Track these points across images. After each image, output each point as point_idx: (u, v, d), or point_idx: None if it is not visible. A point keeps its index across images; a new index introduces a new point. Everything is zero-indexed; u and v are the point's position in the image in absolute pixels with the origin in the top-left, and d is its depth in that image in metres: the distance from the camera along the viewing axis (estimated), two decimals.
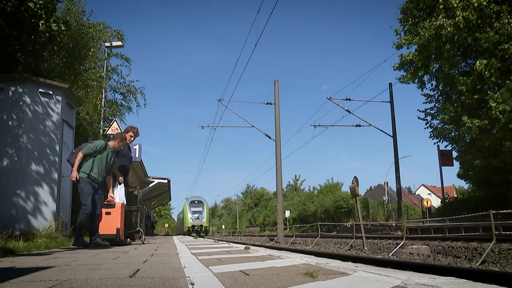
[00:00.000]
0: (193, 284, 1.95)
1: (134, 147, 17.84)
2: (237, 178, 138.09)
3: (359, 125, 23.36)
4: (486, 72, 14.49)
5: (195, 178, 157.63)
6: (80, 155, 6.17)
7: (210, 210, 46.07)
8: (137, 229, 7.87)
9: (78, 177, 6.04)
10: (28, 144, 7.26)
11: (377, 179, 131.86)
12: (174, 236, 19.71)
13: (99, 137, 13.69)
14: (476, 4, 14.72)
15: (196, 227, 34.75)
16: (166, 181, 24.11)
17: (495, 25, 14.58)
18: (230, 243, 6.85)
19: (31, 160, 7.22)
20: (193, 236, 22.17)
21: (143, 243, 7.21)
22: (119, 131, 13.44)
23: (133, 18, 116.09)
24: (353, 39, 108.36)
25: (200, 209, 36.41)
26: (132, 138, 7.22)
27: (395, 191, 24.93)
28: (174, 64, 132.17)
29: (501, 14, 14.59)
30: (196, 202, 37.25)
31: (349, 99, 22.31)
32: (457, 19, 14.98)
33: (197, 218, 35.58)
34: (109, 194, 6.97)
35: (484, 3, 14.61)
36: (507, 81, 14.32)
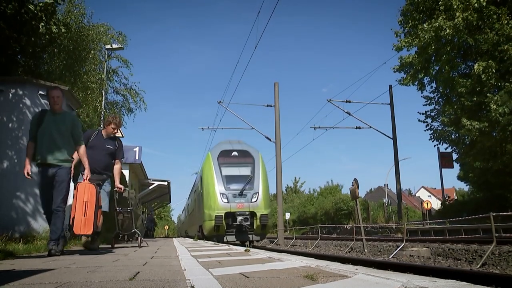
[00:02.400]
0: (193, 286, 1.94)
1: (134, 149, 17.85)
2: None
3: (359, 127, 23.38)
4: (483, 75, 14.51)
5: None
6: (28, 144, 4.89)
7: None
8: (133, 231, 7.19)
9: (29, 171, 4.70)
10: None
11: (377, 181, 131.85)
12: (174, 238, 19.69)
13: None
14: (476, 5, 14.75)
15: (239, 218, 13.18)
16: (166, 183, 24.07)
17: (495, 26, 14.60)
18: (230, 245, 6.84)
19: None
20: (216, 242, 11.16)
21: (140, 247, 6.74)
22: (119, 132, 13.40)
23: (133, 18, 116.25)
24: (353, 41, 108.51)
25: (247, 170, 14.12)
26: (115, 130, 6.26)
27: (395, 193, 24.91)
28: (174, 65, 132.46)
29: (500, 16, 14.63)
30: (237, 153, 14.56)
31: (349, 101, 22.34)
32: (456, 20, 15.01)
33: (241, 194, 13.42)
34: (117, 185, 6.14)
35: (484, 3, 14.63)
36: (506, 84, 14.33)
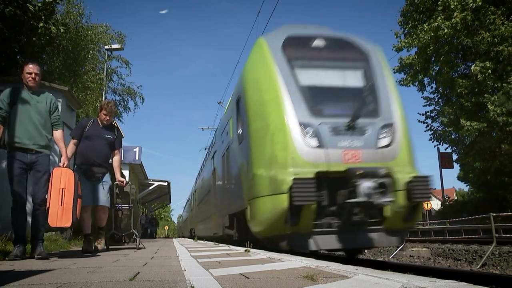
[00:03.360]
0: (193, 287, 1.94)
1: (134, 150, 17.83)
2: None
3: None
4: (479, 76, 14.54)
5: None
6: None
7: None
8: (131, 231, 6.36)
9: None
10: None
11: None
12: (174, 239, 19.69)
13: None
14: (472, 5, 14.76)
15: (364, 186, 4.48)
16: (166, 183, 24.05)
17: (491, 27, 14.63)
18: (230, 246, 6.83)
19: None
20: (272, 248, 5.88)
21: (138, 248, 5.97)
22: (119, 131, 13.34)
23: (132, 20, 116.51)
24: None
25: (357, 76, 5.71)
26: (107, 117, 5.48)
27: None
28: (174, 67, 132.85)
29: (496, 16, 14.65)
30: (326, 42, 5.89)
31: None
32: (454, 20, 15.03)
33: (351, 127, 5.04)
34: (118, 178, 5.61)
35: (480, 3, 14.66)
36: (503, 84, 14.36)
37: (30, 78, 4.29)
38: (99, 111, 5.64)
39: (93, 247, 5.37)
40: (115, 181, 5.79)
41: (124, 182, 5.85)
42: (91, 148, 5.33)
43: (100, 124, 5.53)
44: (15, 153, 4.15)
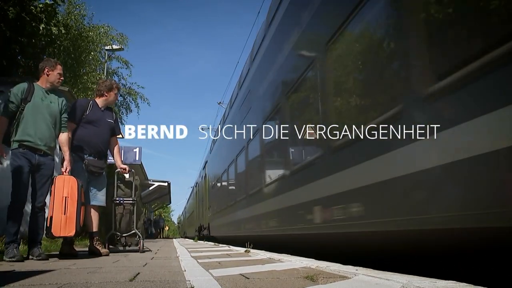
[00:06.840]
0: (193, 287, 1.94)
1: (134, 150, 17.80)
2: None
3: None
4: None
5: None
6: (1, 120, 4.05)
7: None
8: (133, 231, 5.42)
9: (3, 154, 3.99)
10: None
11: None
12: (174, 239, 19.69)
13: None
14: None
15: None
16: (166, 184, 24.06)
17: None
18: (230, 246, 6.83)
19: None
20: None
21: (142, 252, 5.25)
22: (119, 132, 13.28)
23: (134, 21, 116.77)
24: None
25: None
26: (116, 97, 5.35)
27: None
28: (174, 67, 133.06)
29: None
30: None
31: None
32: None
33: None
34: (119, 165, 5.15)
35: None
36: None
37: (61, 79, 4.37)
38: (106, 91, 5.03)
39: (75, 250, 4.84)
40: (118, 168, 5.23)
41: (127, 169, 5.21)
42: (97, 135, 4.79)
43: (101, 107, 5.01)
44: (24, 152, 4.03)
